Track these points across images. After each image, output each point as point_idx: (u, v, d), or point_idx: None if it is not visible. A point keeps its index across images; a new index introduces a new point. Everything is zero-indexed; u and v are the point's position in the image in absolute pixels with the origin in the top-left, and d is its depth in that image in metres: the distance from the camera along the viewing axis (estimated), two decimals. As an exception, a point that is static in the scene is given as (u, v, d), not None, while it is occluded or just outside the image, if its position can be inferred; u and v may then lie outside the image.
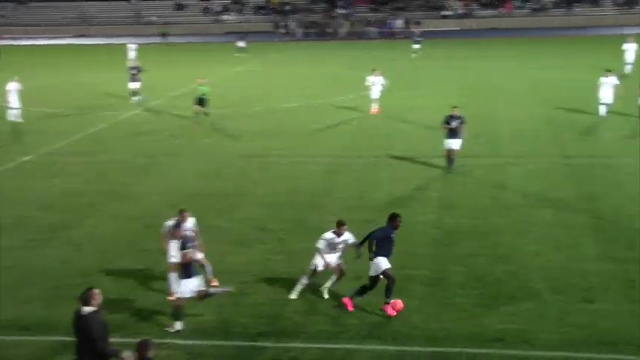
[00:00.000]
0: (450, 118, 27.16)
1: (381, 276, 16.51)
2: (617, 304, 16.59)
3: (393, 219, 16.83)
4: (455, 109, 27.40)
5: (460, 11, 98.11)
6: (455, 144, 27.27)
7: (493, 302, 16.80)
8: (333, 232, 17.28)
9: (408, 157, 29.73)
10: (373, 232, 16.87)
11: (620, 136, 32.40)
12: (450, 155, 27.40)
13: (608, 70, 36.82)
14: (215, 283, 17.64)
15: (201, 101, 38.04)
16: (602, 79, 35.92)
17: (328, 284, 17.47)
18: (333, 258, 17.29)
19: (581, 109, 38.18)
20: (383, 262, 16.48)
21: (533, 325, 15.75)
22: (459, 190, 25.44)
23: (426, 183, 26.41)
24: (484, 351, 14.82)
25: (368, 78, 39.55)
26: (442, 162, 27.72)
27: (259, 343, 15.35)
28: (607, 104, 35.60)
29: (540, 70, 54.31)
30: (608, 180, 25.98)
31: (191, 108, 38.48)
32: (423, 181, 26.56)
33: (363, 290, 16.72)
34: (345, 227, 17.21)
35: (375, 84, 39.12)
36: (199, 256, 17.14)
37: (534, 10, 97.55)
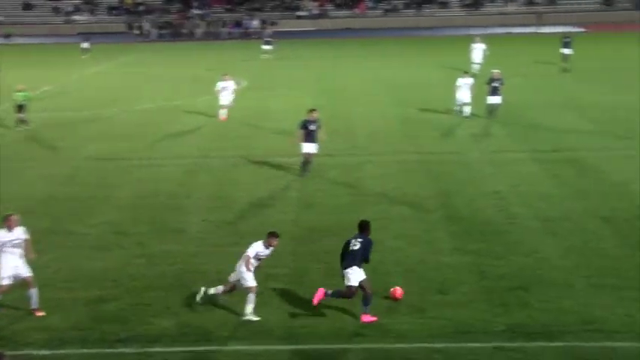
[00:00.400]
0: (307, 122, 26.90)
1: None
2: (471, 294, 17.19)
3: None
4: (312, 113, 27.21)
5: (315, 12, 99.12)
6: (312, 148, 26.96)
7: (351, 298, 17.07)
8: (264, 244, 16.36)
9: (267, 157, 29.86)
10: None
11: (470, 134, 33.56)
12: (307, 159, 27.06)
13: (466, 72, 38.03)
14: (41, 313, 16.42)
15: (20, 108, 36.39)
16: (460, 81, 36.78)
17: (212, 291, 16.80)
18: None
19: (435, 107, 39.32)
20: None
21: (392, 318, 16.11)
22: (317, 188, 25.75)
23: (285, 183, 26.59)
24: (345, 346, 15.08)
25: (218, 83, 37.83)
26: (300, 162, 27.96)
27: (119, 350, 15.08)
28: (467, 103, 36.42)
29: (394, 70, 55.55)
30: (461, 176, 26.87)
31: (14, 116, 36.81)
32: (282, 181, 26.74)
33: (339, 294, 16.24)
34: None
35: (226, 89, 37.50)
36: (25, 273, 16.32)
37: (386, 10, 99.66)
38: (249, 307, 16.14)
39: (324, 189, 25.68)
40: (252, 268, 16.21)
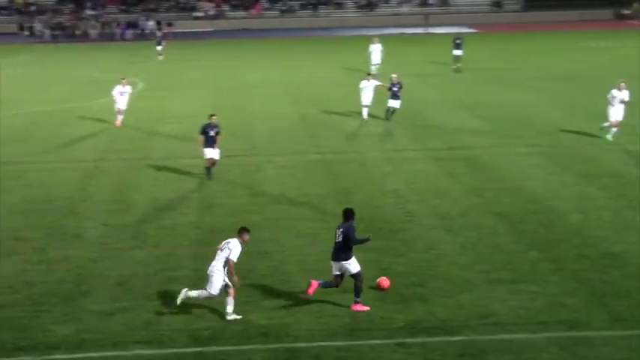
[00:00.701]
0: (206, 127, 26.47)
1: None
2: (372, 292, 17.40)
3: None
4: (212, 118, 26.84)
5: (211, 12, 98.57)
6: (214, 153, 26.48)
7: (257, 298, 17.13)
8: (240, 243, 16.21)
9: (166, 159, 29.61)
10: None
11: (369, 134, 34.02)
12: (210, 164, 26.61)
13: (369, 74, 38.35)
14: None
15: None
16: (364, 83, 36.64)
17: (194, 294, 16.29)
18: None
19: (334, 107, 39.69)
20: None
21: (295, 317, 16.23)
22: (217, 189, 25.68)
23: (185, 185, 26.42)
24: (248, 347, 15.10)
25: (116, 87, 35.81)
26: (201, 164, 27.75)
27: (19, 358, 14.74)
28: (367, 106, 36.54)
29: (292, 70, 55.74)
30: (360, 175, 27.22)
31: None
32: (182, 183, 26.56)
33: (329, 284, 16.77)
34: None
35: (124, 94, 35.84)
36: None
37: (283, 11, 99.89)
38: (230, 308, 16.04)
39: (225, 190, 25.63)
40: (233, 272, 16.01)
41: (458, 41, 54.34)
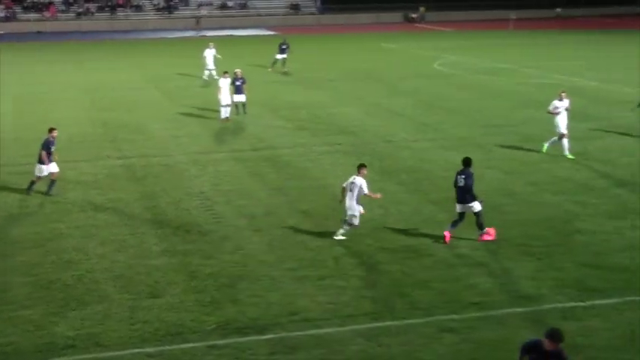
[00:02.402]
0: (49, 142, 24.91)
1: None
2: (182, 295, 17.43)
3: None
4: (52, 132, 25.32)
5: (2, 14, 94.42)
6: (49, 169, 24.99)
7: (62, 309, 16.69)
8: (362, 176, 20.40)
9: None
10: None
11: (172, 136, 33.79)
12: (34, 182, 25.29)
13: (225, 72, 37.71)
14: None
15: None
16: (222, 81, 36.72)
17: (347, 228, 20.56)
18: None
19: (134, 110, 39.19)
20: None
21: (104, 326, 15.96)
22: (18, 198, 24.73)
23: (-20, 195, 25.30)
24: None
25: None
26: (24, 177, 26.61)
27: None
28: (227, 105, 36.64)
29: (92, 74, 54.30)
30: (165, 178, 27.01)
31: None
32: (-23, 193, 25.42)
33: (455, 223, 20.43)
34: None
35: None
36: None
37: (79, 14, 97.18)
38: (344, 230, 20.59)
39: (26, 199, 24.71)
40: (375, 195, 20.82)
41: (284, 46, 54.94)
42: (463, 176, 20.39)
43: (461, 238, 20.64)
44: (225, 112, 36.74)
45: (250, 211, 23.33)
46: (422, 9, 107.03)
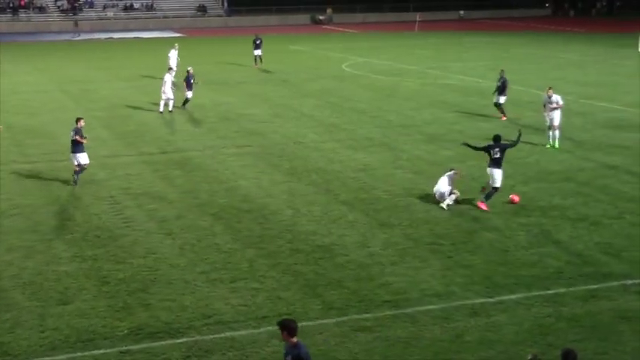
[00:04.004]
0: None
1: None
2: (93, 301, 17.18)
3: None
4: (80, 120, 26.32)
5: None
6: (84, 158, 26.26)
7: (-32, 318, 16.27)
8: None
9: None
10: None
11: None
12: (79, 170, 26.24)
13: (170, 68, 39.80)
14: None
15: None
16: (167, 76, 38.71)
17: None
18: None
19: (39, 114, 38.39)
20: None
21: (13, 334, 15.62)
22: None
23: None
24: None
25: None
26: None
27: None
28: (170, 99, 38.76)
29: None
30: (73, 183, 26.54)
31: None
32: None
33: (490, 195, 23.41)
34: None
35: None
36: None
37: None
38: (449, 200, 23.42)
39: None
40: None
41: (258, 41, 56.44)
42: (497, 149, 23.45)
43: (372, 238, 20.93)
44: (162, 106, 38.88)
45: (161, 215, 23.13)
46: (329, 11, 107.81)
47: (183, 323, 16.13)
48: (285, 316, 16.22)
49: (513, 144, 24.40)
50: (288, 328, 11.43)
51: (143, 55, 66.85)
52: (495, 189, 23.56)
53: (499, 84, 37.15)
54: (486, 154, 23.78)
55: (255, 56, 56.84)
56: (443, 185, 23.67)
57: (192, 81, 40.18)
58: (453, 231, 21.56)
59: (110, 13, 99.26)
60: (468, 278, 18.32)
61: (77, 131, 25.99)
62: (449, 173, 23.99)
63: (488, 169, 23.75)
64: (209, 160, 29.71)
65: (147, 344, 15.31)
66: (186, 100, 39.97)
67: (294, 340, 11.42)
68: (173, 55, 51.07)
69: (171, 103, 39.10)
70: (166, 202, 24.40)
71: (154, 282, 18.22)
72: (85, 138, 26.22)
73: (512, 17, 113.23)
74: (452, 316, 16.35)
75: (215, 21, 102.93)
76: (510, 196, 23.77)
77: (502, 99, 36.97)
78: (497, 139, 23.97)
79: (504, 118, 36.54)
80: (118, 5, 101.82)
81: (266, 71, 54.57)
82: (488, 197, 23.43)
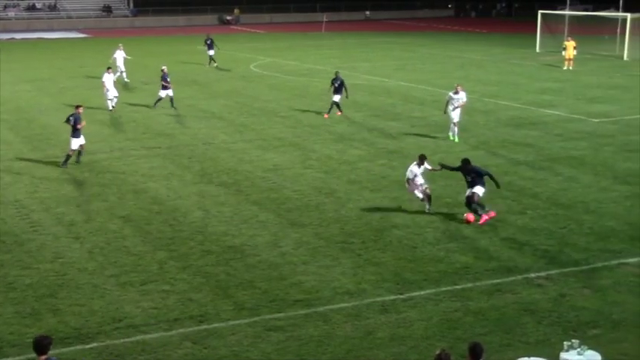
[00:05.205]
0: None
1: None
2: (0, 308, 16.82)
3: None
4: (79, 107, 28.30)
5: None
6: (78, 142, 28.49)
7: None
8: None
9: None
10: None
11: None
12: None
13: (109, 68, 40.08)
14: None
15: None
16: (106, 76, 39.28)
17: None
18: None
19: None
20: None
21: None
22: None
23: None
24: None
25: None
26: None
27: None
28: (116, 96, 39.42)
29: None
30: None
31: None
32: None
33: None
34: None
35: None
36: None
37: None
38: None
39: None
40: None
41: (209, 42, 57.38)
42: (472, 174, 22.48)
43: (283, 237, 21.04)
44: (112, 104, 39.64)
45: (69, 219, 22.76)
46: (236, 11, 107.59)
47: (93, 328, 15.93)
48: (196, 318, 16.27)
49: (490, 176, 22.87)
50: (39, 345, 11.26)
51: (48, 56, 65.50)
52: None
53: (336, 85, 37.88)
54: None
55: (210, 56, 58.05)
56: (419, 178, 22.97)
57: (167, 79, 40.06)
58: (363, 229, 21.83)
59: (11, 13, 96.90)
60: (378, 275, 18.59)
61: (77, 118, 28.51)
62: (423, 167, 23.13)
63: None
64: (117, 161, 29.36)
65: (57, 350, 14.96)
66: (159, 99, 40.16)
67: (43, 357, 11.27)
68: (119, 55, 50.79)
69: (115, 100, 39.51)
70: (74, 206, 24.02)
71: (62, 287, 17.93)
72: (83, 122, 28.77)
73: (417, 18, 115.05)
74: (363, 314, 16.57)
75: (121, 21, 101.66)
76: (465, 215, 22.42)
77: (337, 97, 37.79)
78: (466, 162, 22.80)
79: (339, 113, 37.83)
80: (19, 5, 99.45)
81: (220, 69, 55.89)
82: (476, 210, 22.27)
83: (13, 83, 49.67)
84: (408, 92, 45.54)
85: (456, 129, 32.56)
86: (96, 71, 53.96)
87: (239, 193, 25.42)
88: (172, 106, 39.90)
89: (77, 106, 29.44)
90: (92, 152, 30.76)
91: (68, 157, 28.66)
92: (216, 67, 57.05)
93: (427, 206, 23.20)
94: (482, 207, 22.37)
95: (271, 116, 38.36)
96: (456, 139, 32.40)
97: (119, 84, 44.63)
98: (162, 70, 40.65)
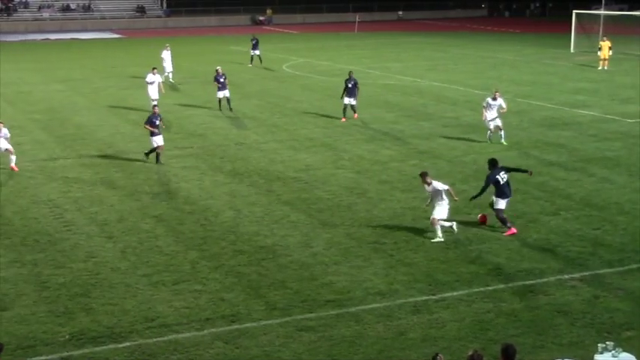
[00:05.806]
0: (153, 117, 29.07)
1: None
2: (33, 307, 16.95)
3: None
4: (155, 107, 28.60)
5: None
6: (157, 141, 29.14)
7: None
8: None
9: None
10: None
11: (15, 143, 32.67)
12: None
13: (155, 68, 39.92)
14: None
15: None
16: (149, 76, 39.10)
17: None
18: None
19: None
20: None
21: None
22: None
23: None
24: None
25: None
26: None
27: None
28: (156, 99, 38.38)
29: None
30: (11, 187, 26.17)
31: None
32: None
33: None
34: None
35: None
36: None
37: None
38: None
39: None
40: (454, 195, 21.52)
41: (254, 41, 58.00)
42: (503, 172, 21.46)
43: (315, 238, 21.03)
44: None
45: (102, 218, 22.92)
46: (269, 12, 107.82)
47: (125, 327, 16.02)
48: (228, 317, 16.29)
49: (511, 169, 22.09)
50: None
51: (81, 56, 66.11)
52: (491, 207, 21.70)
53: (350, 85, 36.73)
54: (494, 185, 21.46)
55: (252, 56, 58.45)
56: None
57: (223, 80, 39.37)
58: (395, 230, 21.74)
59: (46, 14, 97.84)
60: (410, 276, 18.51)
61: (156, 118, 29.36)
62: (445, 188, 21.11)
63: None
64: (150, 162, 29.50)
65: (89, 349, 15.18)
66: (221, 101, 39.58)
67: None
68: (167, 56, 50.67)
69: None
70: (107, 205, 24.18)
71: (95, 286, 18.05)
72: (159, 125, 29.54)
73: (449, 18, 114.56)
74: (395, 314, 16.51)
75: (154, 22, 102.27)
76: (479, 215, 22.18)
77: (353, 100, 36.74)
78: (494, 163, 21.73)
79: (356, 116, 36.94)
80: (54, 6, 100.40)
81: (267, 69, 56.29)
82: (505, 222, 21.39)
83: (46, 83, 50.17)
84: (440, 92, 45.32)
85: (502, 132, 31.81)
86: (129, 71, 54.46)
87: (270, 193, 25.44)
88: (229, 108, 39.34)
89: (154, 106, 31.41)
90: (124, 152, 31.00)
91: (152, 150, 29.39)
92: (263, 66, 57.16)
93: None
94: (504, 222, 21.35)
95: (303, 116, 38.37)
96: (505, 142, 31.69)
97: (166, 85, 44.20)
98: (216, 71, 39.95)
